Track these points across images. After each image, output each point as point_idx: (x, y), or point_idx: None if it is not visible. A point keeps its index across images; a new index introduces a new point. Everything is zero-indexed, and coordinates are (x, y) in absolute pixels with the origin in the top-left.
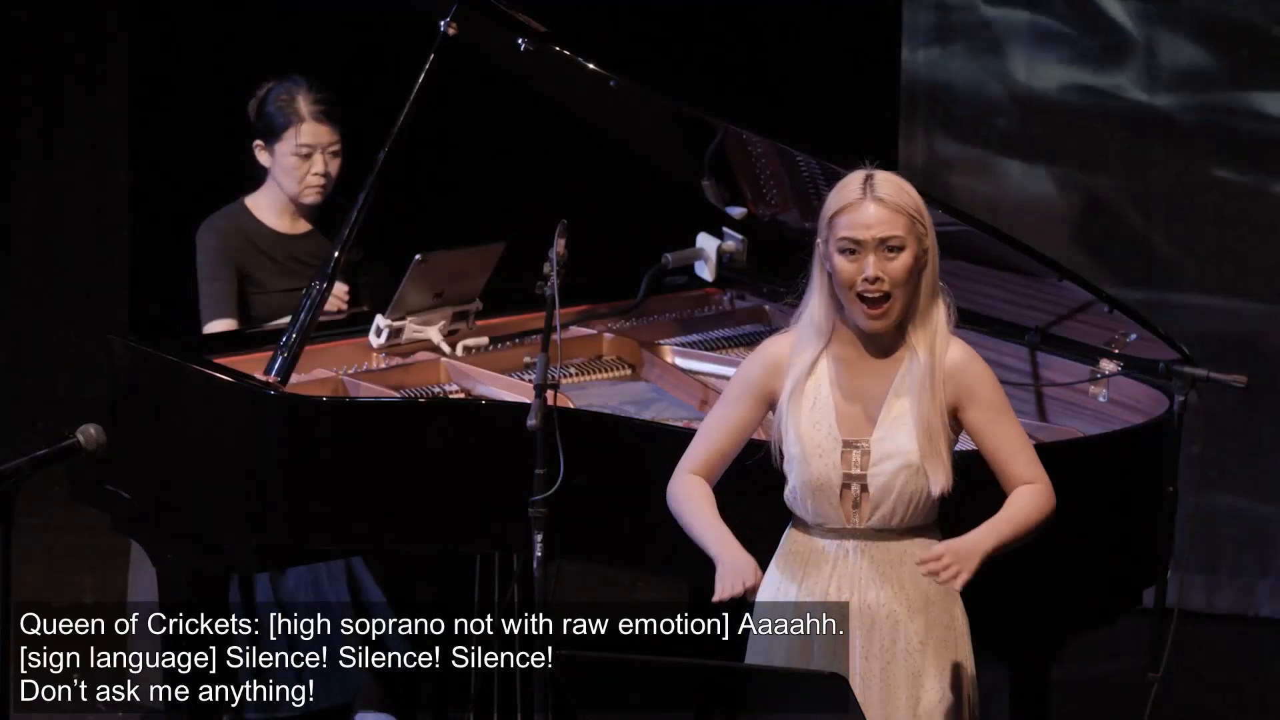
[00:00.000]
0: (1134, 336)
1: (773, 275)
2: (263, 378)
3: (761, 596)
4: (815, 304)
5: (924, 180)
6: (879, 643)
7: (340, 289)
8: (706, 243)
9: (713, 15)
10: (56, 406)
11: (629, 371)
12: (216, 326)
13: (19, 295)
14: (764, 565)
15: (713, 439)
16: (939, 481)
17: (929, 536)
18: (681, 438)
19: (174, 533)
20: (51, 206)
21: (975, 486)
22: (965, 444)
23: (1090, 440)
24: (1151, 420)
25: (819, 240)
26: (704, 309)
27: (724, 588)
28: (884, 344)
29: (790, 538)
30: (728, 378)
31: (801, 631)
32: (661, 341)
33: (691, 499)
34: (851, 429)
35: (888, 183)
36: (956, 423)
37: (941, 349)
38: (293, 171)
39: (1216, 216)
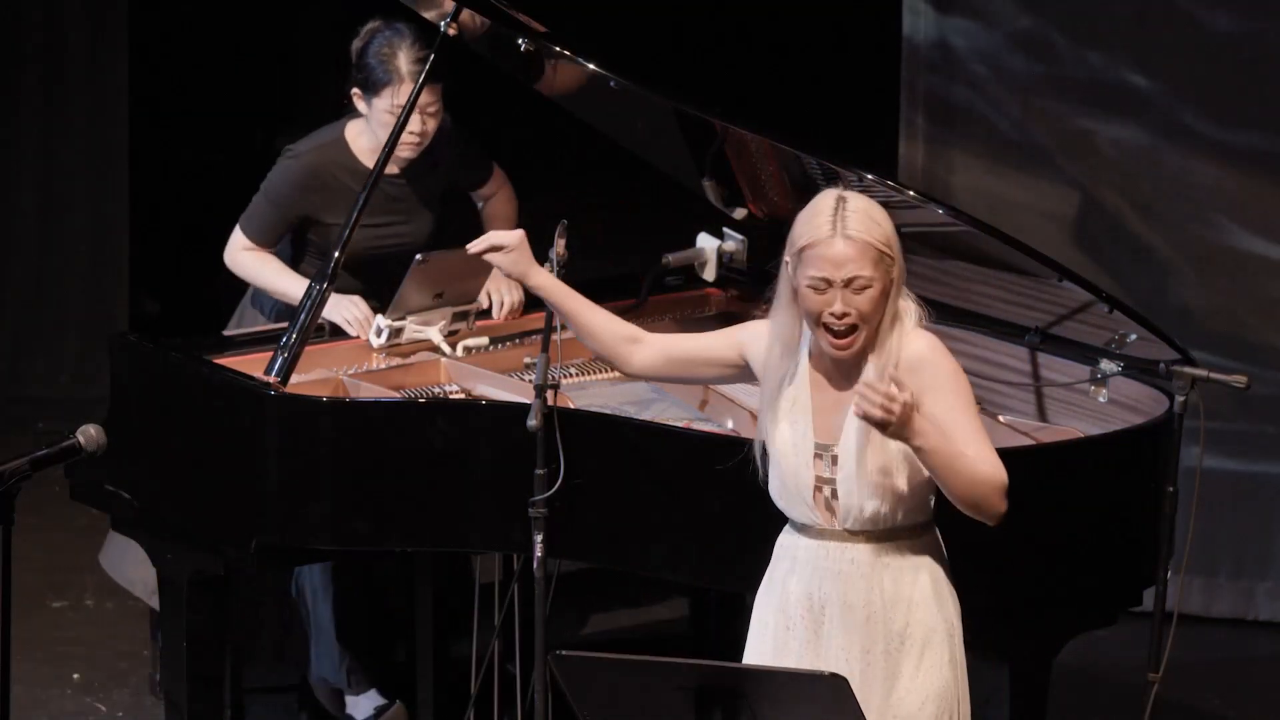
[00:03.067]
0: (1134, 336)
1: (773, 276)
2: (263, 378)
3: (758, 598)
4: (784, 321)
5: (924, 180)
6: (860, 643)
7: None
8: (707, 243)
9: (713, 15)
10: (56, 406)
11: None
12: (242, 240)
13: (19, 295)
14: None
15: (682, 337)
16: (883, 499)
17: (915, 538)
18: (682, 438)
19: (174, 533)
20: (51, 206)
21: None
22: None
23: (1090, 440)
24: (1151, 420)
25: (786, 258)
26: (704, 309)
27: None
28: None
29: (781, 538)
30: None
31: (785, 629)
32: None
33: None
34: (825, 433)
35: (857, 216)
36: None
37: (892, 364)
38: (388, 128)
39: (1217, 217)
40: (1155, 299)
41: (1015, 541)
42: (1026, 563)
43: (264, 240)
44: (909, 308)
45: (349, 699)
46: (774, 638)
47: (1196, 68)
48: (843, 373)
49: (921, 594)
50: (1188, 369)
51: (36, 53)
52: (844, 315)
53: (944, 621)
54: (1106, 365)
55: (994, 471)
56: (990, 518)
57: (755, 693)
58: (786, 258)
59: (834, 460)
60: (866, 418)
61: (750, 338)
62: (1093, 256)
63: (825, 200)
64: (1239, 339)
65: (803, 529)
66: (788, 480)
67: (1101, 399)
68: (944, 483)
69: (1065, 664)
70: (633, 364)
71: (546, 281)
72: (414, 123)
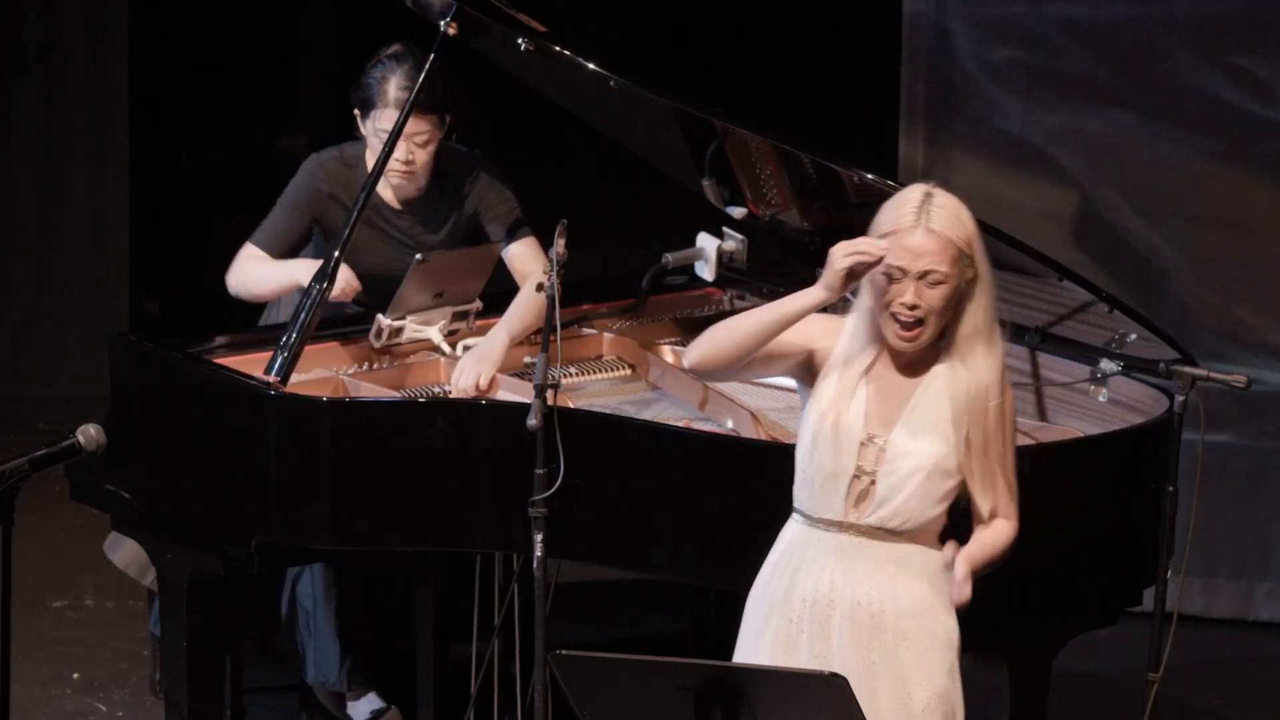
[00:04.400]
0: (1134, 336)
1: (773, 275)
2: (263, 377)
3: (753, 593)
4: (867, 309)
5: (924, 180)
6: (864, 641)
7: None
8: (707, 243)
9: (713, 15)
10: (56, 406)
11: (629, 371)
12: (254, 251)
13: (19, 295)
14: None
15: None
16: (943, 498)
17: (926, 544)
18: (682, 438)
19: (174, 532)
20: (51, 206)
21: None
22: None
23: (1090, 440)
24: (1151, 420)
25: None
26: (704, 309)
27: None
28: (918, 352)
29: (788, 532)
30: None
31: (789, 623)
32: (662, 341)
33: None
34: (876, 424)
35: (942, 211)
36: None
37: (984, 377)
38: (375, 152)
39: (1216, 217)
40: (1155, 299)
41: (1015, 541)
42: (1026, 563)
43: (273, 247)
44: (998, 331)
45: (348, 701)
46: (776, 634)
47: (1199, 66)
48: (905, 363)
49: (928, 601)
50: (1187, 369)
51: (36, 53)
52: (914, 307)
53: (945, 631)
54: (1106, 365)
55: (1013, 532)
56: None
57: (755, 692)
58: None
59: (881, 450)
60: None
61: (819, 332)
62: (1092, 256)
63: (913, 192)
64: (1238, 339)
65: (820, 520)
66: (830, 464)
67: (1101, 399)
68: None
69: (1065, 664)
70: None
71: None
72: (400, 150)
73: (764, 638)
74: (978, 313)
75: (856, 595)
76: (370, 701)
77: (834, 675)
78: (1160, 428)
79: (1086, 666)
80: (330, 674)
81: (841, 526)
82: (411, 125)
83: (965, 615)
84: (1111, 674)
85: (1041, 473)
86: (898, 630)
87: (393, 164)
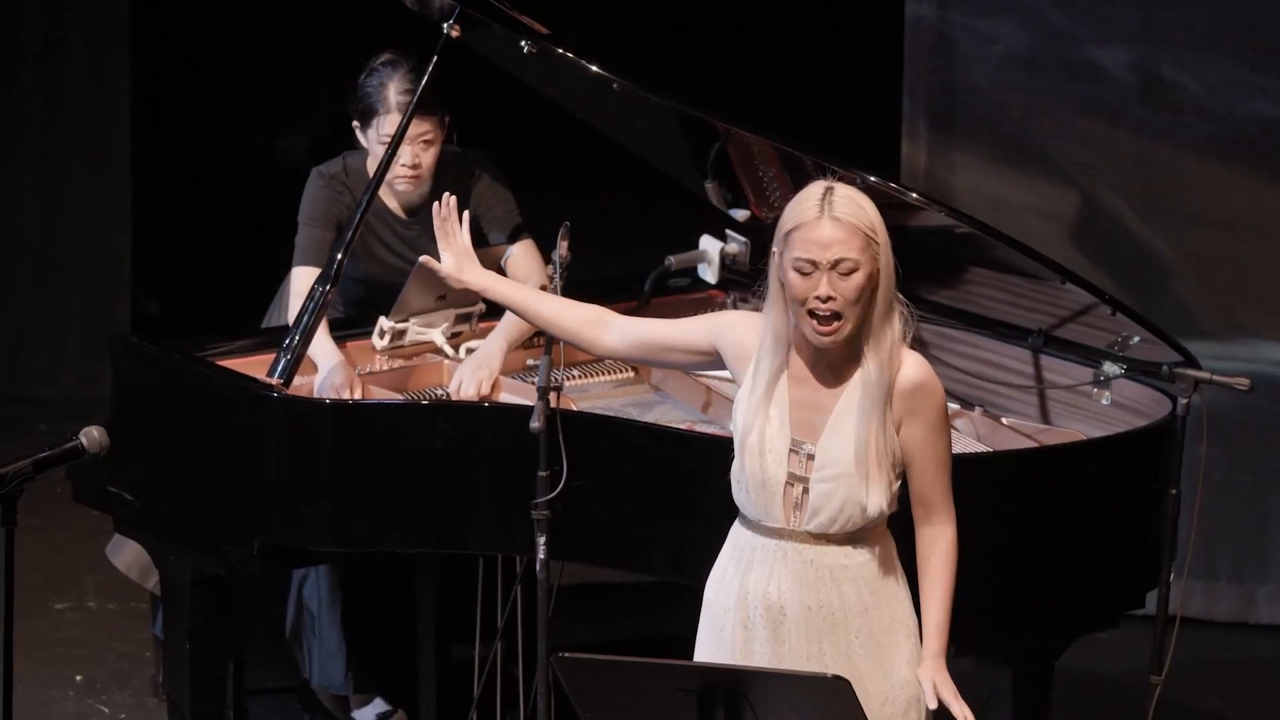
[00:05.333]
0: (1137, 339)
1: (763, 271)
2: (265, 380)
3: (708, 592)
4: (775, 314)
5: (926, 181)
6: (820, 645)
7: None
8: (709, 245)
9: (714, 16)
10: (57, 407)
11: (632, 374)
12: (304, 274)
13: (19, 295)
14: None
15: (652, 322)
16: (875, 502)
17: (874, 545)
18: (684, 440)
19: (176, 534)
20: (51, 206)
21: (984, 489)
22: (969, 446)
23: (1093, 443)
24: (1154, 423)
25: (774, 250)
26: (707, 311)
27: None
28: (838, 353)
29: (735, 534)
30: (731, 380)
31: (743, 628)
32: None
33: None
34: (801, 429)
35: (845, 201)
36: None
37: (892, 367)
38: (380, 158)
39: (1216, 217)
40: (1155, 299)
41: (1018, 544)
42: (1029, 565)
43: (318, 260)
44: (900, 309)
45: (354, 707)
46: (732, 637)
47: (1199, 66)
48: (826, 367)
49: (879, 597)
50: (1190, 371)
51: (36, 53)
52: (829, 299)
53: (900, 622)
54: (1109, 367)
55: (954, 540)
56: None
57: (757, 694)
58: (774, 247)
59: (809, 458)
60: None
61: (724, 326)
62: (1094, 258)
63: (813, 188)
64: (1238, 339)
65: (762, 527)
66: (762, 473)
67: (1104, 401)
68: None
69: (1068, 666)
70: (600, 346)
71: (487, 281)
72: (405, 154)
73: (722, 639)
74: (884, 305)
75: (806, 601)
76: (376, 706)
77: (836, 677)
78: (1163, 430)
79: (1089, 669)
80: (335, 678)
81: (783, 534)
82: (415, 127)
83: (968, 616)
84: (1114, 676)
85: (1045, 475)
86: (849, 629)
87: (399, 169)
